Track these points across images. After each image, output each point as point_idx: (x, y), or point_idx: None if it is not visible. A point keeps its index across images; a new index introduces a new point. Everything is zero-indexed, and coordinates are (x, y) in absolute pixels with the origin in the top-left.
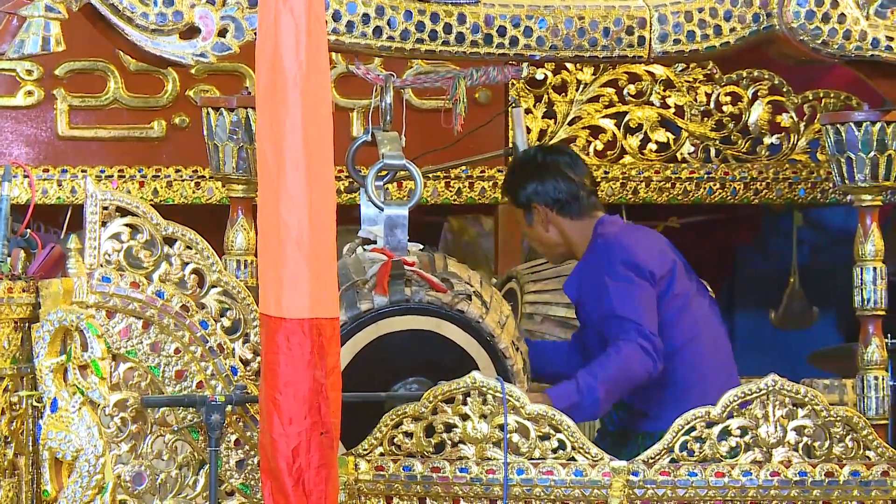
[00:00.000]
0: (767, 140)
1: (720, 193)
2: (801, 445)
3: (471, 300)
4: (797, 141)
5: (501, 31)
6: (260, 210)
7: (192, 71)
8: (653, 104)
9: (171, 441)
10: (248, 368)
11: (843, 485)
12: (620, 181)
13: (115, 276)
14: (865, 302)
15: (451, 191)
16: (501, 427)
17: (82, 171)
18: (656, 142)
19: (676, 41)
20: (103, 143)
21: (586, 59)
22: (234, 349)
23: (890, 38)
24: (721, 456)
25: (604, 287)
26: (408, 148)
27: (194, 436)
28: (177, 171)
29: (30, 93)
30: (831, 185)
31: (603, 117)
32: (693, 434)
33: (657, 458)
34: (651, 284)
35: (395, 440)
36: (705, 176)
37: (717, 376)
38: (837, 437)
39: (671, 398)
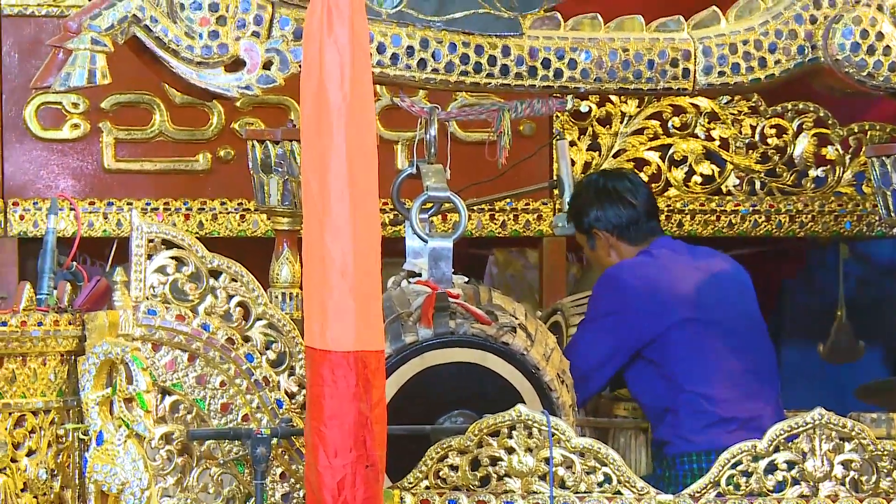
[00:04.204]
0: (813, 172)
1: (765, 226)
2: (847, 479)
3: (515, 332)
4: (843, 173)
5: (546, 64)
6: (305, 242)
7: (238, 103)
8: (697, 136)
9: (217, 474)
10: (293, 401)
11: None
12: (665, 213)
13: (161, 308)
14: None
15: (495, 223)
16: (547, 460)
17: (128, 204)
18: (701, 174)
19: (721, 73)
20: (149, 175)
21: (631, 92)
22: (279, 382)
23: None
24: (767, 490)
25: None
26: (452, 180)
27: (240, 469)
28: (222, 203)
29: (76, 126)
30: (877, 217)
31: (647, 150)
32: (739, 468)
33: (703, 491)
34: (612, 322)
35: (441, 473)
36: (750, 209)
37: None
38: (885, 471)
39: (680, 425)
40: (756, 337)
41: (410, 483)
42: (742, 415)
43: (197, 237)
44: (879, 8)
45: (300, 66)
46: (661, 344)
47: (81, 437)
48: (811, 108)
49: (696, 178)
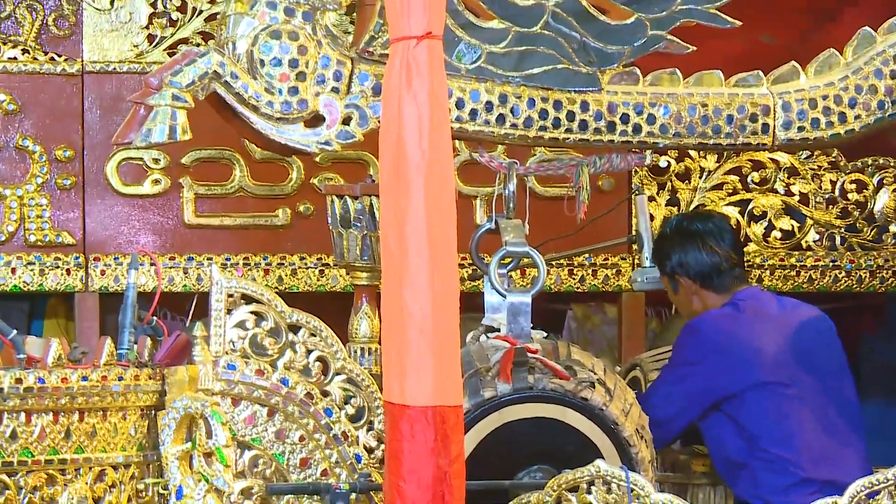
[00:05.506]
0: (893, 228)
1: (845, 281)
2: None
3: (594, 388)
4: None
5: (624, 119)
6: (383, 297)
7: (317, 159)
8: (777, 192)
9: None
10: (372, 456)
11: None
12: (745, 269)
13: (241, 363)
14: None
15: (574, 278)
16: None
17: (208, 259)
18: (781, 229)
19: (801, 129)
20: (229, 230)
21: (710, 147)
22: (358, 437)
23: None
24: None
25: None
26: (531, 235)
27: None
28: (301, 258)
29: (156, 181)
30: None
31: (727, 205)
32: None
33: None
34: (687, 372)
35: None
36: (830, 264)
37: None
38: None
39: (759, 484)
40: (843, 393)
41: None
42: (823, 476)
43: (276, 292)
44: None
45: (379, 121)
46: (741, 402)
47: (161, 491)
48: (891, 163)
49: (776, 234)
